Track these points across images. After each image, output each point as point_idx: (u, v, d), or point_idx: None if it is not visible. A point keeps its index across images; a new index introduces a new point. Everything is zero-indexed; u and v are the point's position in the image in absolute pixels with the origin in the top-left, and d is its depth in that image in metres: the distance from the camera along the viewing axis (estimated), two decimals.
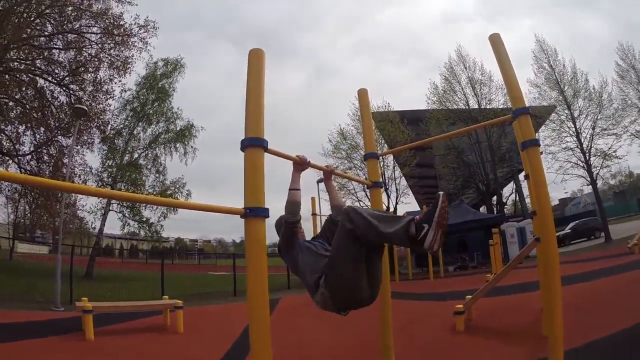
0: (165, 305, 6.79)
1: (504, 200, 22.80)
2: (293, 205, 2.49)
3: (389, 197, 24.60)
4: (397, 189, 24.86)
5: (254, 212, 2.09)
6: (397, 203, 24.88)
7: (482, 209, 27.68)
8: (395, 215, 2.25)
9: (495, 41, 3.16)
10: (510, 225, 18.54)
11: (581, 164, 20.28)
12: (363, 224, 2.01)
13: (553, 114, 21.48)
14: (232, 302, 10.66)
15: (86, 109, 11.67)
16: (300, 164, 2.60)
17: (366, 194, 22.29)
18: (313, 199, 13.20)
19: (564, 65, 21.28)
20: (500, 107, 21.73)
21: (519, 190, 26.89)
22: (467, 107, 23.33)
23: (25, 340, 5.26)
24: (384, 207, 24.33)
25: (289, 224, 2.48)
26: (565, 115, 21.03)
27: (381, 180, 3.98)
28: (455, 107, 23.80)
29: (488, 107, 22.53)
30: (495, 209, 23.91)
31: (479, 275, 11.81)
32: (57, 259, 8.93)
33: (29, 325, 6.35)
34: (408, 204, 26.00)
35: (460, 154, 23.95)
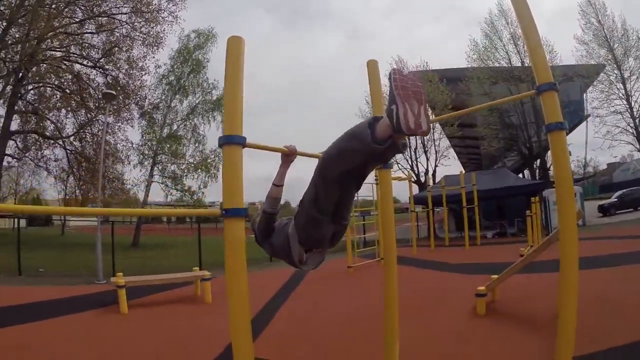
0: (195, 276, 7.10)
1: (548, 165, 21.54)
2: (274, 202, 2.39)
3: (427, 159, 24.10)
4: (436, 151, 24.31)
5: (231, 213, 2.04)
6: (436, 165, 24.36)
7: (526, 173, 26.50)
8: None
9: (518, 3, 2.79)
10: (554, 192, 17.49)
11: (631, 130, 18.79)
12: (330, 148, 1.73)
13: (602, 74, 19.79)
14: (268, 268, 10.93)
15: (115, 93, 12.07)
16: (289, 155, 2.48)
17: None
18: None
19: (613, 20, 19.48)
20: None
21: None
22: (509, 65, 21.85)
23: (65, 315, 5.68)
24: (421, 172, 23.93)
25: (267, 214, 2.36)
26: (615, 75, 19.45)
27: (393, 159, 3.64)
28: (497, 65, 22.39)
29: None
30: (538, 173, 22.72)
31: (516, 245, 11.38)
32: (97, 236, 9.45)
33: (70, 300, 6.84)
34: (448, 167, 25.35)
35: (503, 114, 22.70)
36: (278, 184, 2.43)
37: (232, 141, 2.05)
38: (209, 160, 20.14)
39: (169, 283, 7.30)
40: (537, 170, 22.91)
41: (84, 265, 10.76)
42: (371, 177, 9.64)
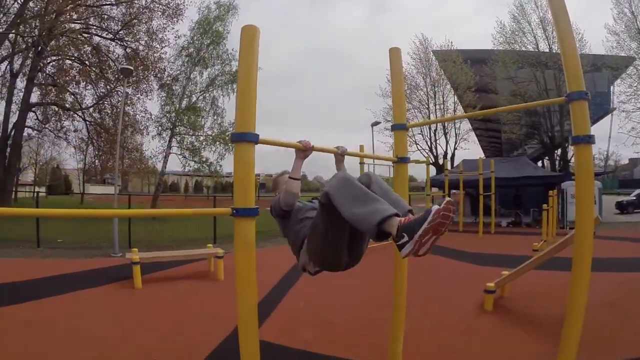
0: (208, 254, 7.22)
1: (569, 157, 21.02)
2: (290, 197, 2.38)
3: (447, 141, 23.81)
4: (456, 134, 23.98)
5: (241, 213, 2.00)
6: (455, 148, 24.07)
7: (546, 163, 25.94)
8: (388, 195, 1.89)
9: (557, 7, 2.57)
10: (573, 185, 17.11)
11: None
12: (336, 198, 1.79)
13: (631, 68, 18.95)
14: (282, 244, 11.05)
15: (132, 68, 12.07)
16: (303, 150, 2.45)
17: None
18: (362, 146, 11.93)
19: None
20: None
21: None
22: (536, 50, 21.07)
23: (79, 290, 5.86)
24: (441, 154, 23.59)
25: (282, 211, 2.46)
26: None
27: (408, 154, 3.52)
28: (524, 49, 21.61)
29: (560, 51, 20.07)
30: (558, 164, 22.17)
31: (530, 237, 11.24)
32: (114, 208, 9.62)
33: (86, 274, 7.04)
34: (467, 150, 25.09)
35: (526, 101, 22.06)
36: (296, 177, 2.41)
37: (245, 139, 2.00)
38: (227, 133, 20.18)
39: (183, 260, 7.48)
40: (558, 161, 22.36)
41: (102, 236, 11.06)
42: (388, 154, 9.54)
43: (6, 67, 17.32)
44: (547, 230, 10.89)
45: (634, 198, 22.37)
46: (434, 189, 19.05)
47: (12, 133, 17.24)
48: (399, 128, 3.32)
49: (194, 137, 20.06)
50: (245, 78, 2.09)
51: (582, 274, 2.46)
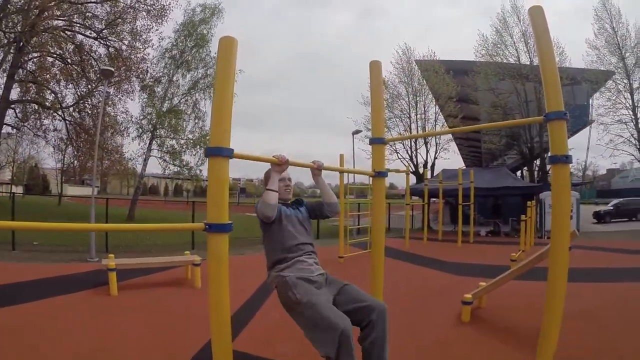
0: (185, 261, 7.11)
1: (547, 168, 21.52)
2: (267, 208, 2.38)
3: (427, 151, 24.07)
4: (437, 143, 24.24)
5: (215, 228, 2.00)
6: (435, 157, 24.34)
7: (525, 173, 26.51)
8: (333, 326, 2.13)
9: (536, 16, 2.62)
10: (550, 195, 17.53)
11: (634, 141, 18.74)
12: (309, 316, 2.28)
13: (610, 82, 19.60)
14: (261, 251, 10.98)
15: (113, 69, 11.88)
16: (279, 165, 2.46)
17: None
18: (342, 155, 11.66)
19: (627, 29, 19.21)
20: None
21: None
22: (517, 62, 21.57)
23: (54, 296, 5.69)
24: (420, 163, 23.81)
25: (263, 223, 2.53)
26: (624, 85, 19.36)
27: (386, 168, 3.53)
28: (505, 61, 22.09)
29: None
30: (537, 174, 22.69)
31: (509, 247, 11.46)
32: (91, 212, 9.40)
33: (61, 279, 6.85)
34: (447, 160, 25.44)
35: (506, 113, 22.56)
36: (273, 189, 2.42)
37: (219, 153, 2.00)
38: (208, 137, 20.03)
39: (160, 267, 7.35)
40: (537, 171, 22.89)
41: (79, 240, 10.79)
42: (368, 162, 9.64)
43: None
44: (525, 240, 11.11)
45: (612, 208, 23.05)
46: (414, 198, 19.26)
47: None
48: (377, 142, 3.35)
49: (174, 140, 19.89)
50: (221, 91, 2.09)
51: (558, 288, 2.53)
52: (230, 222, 2.03)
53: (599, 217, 22.42)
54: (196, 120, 20.60)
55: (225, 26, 22.01)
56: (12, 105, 17.36)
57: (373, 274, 3.24)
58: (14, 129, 19.32)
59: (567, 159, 2.45)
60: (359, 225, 13.57)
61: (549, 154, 2.52)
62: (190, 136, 20.24)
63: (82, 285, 6.38)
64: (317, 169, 2.79)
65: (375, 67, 3.38)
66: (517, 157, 26.69)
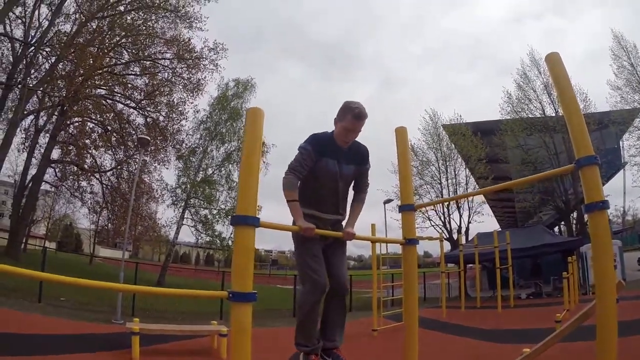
0: (210, 331, 6.92)
1: (585, 219, 20.49)
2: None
3: (460, 216, 23.39)
4: (469, 207, 23.57)
5: (238, 297, 1.92)
6: (469, 222, 23.54)
7: (562, 228, 25.30)
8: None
9: (554, 63, 2.54)
10: (591, 247, 16.48)
11: None
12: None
13: (637, 120, 19.22)
14: (290, 325, 10.59)
15: (149, 138, 12.64)
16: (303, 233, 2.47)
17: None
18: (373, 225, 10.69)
19: None
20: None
21: None
22: (543, 115, 21.43)
23: (71, 354, 5.58)
24: (454, 229, 23.08)
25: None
26: None
27: (418, 236, 3.38)
28: (531, 115, 22.02)
29: None
30: (575, 228, 21.58)
31: (553, 307, 10.61)
32: (120, 274, 9.49)
33: (83, 338, 6.77)
34: (481, 223, 24.35)
35: (537, 168, 22.07)
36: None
37: (245, 222, 1.98)
38: None
39: (186, 335, 7.18)
40: (574, 225, 21.79)
41: (106, 299, 10.77)
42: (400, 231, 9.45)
43: (31, 121, 18.21)
44: (569, 298, 10.33)
45: None
46: (450, 265, 18.48)
47: (30, 185, 17.73)
48: (406, 209, 3.17)
49: (207, 210, 20.18)
50: (248, 159, 2.11)
51: (608, 346, 2.21)
52: (254, 291, 1.97)
53: None
54: (229, 191, 21.01)
55: (258, 100, 23.18)
56: (52, 165, 18.47)
57: (406, 346, 3.00)
58: (52, 187, 20.30)
59: (603, 205, 2.24)
60: (392, 296, 13.05)
61: (584, 203, 2.33)
62: (223, 206, 20.57)
63: (103, 346, 6.24)
64: (348, 239, 2.82)
65: (401, 133, 3.30)
66: (552, 213, 25.65)
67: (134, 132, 18.86)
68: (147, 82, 19.21)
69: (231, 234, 19.95)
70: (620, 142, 21.51)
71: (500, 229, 22.41)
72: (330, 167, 2.74)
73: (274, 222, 2.19)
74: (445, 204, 23.25)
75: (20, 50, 16.84)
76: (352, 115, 2.69)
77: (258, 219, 2.01)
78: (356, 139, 2.87)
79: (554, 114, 20.83)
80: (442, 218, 23.28)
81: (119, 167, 19.05)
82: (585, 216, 20.11)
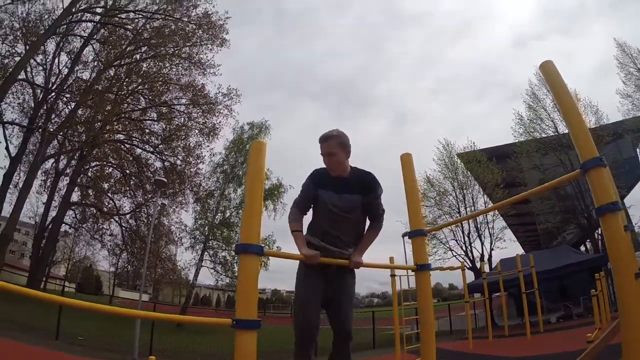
0: None
1: None
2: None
3: (482, 243, 22.85)
4: (490, 234, 23.03)
5: (242, 325, 1.95)
6: (492, 249, 22.93)
7: (588, 245, 24.39)
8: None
9: (548, 71, 2.51)
10: None
11: None
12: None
13: None
14: None
15: (166, 180, 12.90)
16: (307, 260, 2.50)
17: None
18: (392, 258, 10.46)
19: None
20: (592, 126, 19.46)
21: (626, 217, 22.83)
22: (556, 134, 21.18)
23: None
24: (477, 257, 22.45)
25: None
26: None
27: (429, 261, 3.34)
28: (544, 135, 21.78)
29: None
30: (601, 244, 20.78)
31: (584, 328, 10.09)
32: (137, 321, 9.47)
33: None
34: (504, 249, 23.50)
35: (556, 187, 21.58)
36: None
37: (249, 250, 2.05)
38: None
39: None
40: (600, 241, 21.01)
41: (123, 339, 10.67)
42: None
43: (52, 164, 18.77)
44: (599, 316, 9.85)
45: None
46: (477, 295, 17.88)
47: (50, 226, 18.10)
48: (416, 234, 3.18)
49: (226, 251, 20.16)
50: (251, 189, 2.21)
51: None
52: (259, 319, 2.00)
53: None
54: None
55: (273, 142, 23.49)
56: (72, 207, 18.91)
57: None
58: (72, 229, 20.70)
59: (614, 206, 2.12)
60: (417, 329, 12.65)
61: (595, 206, 2.20)
62: None
63: None
64: (354, 267, 2.72)
65: (406, 159, 3.34)
66: (576, 231, 24.82)
67: (152, 176, 19.33)
68: (164, 127, 19.87)
69: None
70: (638, 150, 21.06)
71: (524, 253, 21.73)
72: (325, 198, 2.71)
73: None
74: (466, 232, 22.74)
75: (41, 96, 17.73)
76: (319, 141, 2.76)
77: (262, 247, 2.08)
78: (360, 168, 2.85)
79: (566, 131, 20.53)
80: (464, 247, 22.76)
81: (137, 210, 19.41)
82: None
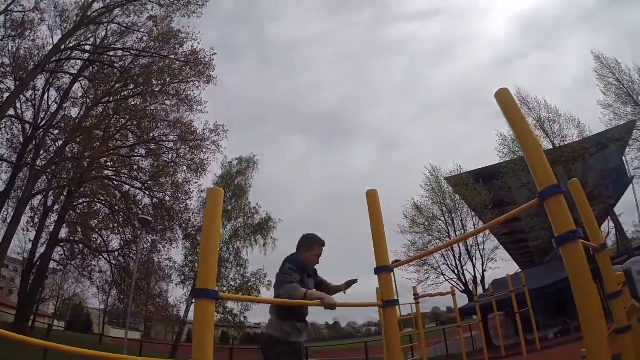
0: None
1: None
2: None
3: (474, 265, 22.69)
4: (482, 255, 22.90)
5: None
6: (484, 270, 22.75)
7: None
8: None
9: (504, 98, 2.51)
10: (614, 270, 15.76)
11: None
12: None
13: (635, 131, 19.13)
14: None
15: (150, 219, 12.89)
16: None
17: None
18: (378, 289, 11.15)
19: (629, 75, 19.39)
20: (577, 139, 19.75)
21: (617, 226, 22.40)
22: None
23: None
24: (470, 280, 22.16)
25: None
26: None
27: (396, 297, 3.33)
28: None
29: (564, 144, 20.11)
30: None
31: (580, 343, 9.96)
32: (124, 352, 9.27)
33: None
34: (497, 269, 23.23)
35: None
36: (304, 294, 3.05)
37: (205, 295, 2.09)
38: (249, 284, 20.38)
39: None
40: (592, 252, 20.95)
41: None
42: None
43: (40, 200, 18.51)
44: None
45: None
46: (475, 317, 17.70)
47: (38, 263, 17.73)
48: (382, 271, 3.15)
49: (217, 287, 19.98)
50: (207, 236, 2.27)
51: None
52: None
53: None
54: (238, 268, 21.03)
55: (262, 175, 23.48)
56: (61, 244, 18.60)
57: None
58: (61, 266, 20.28)
59: (574, 234, 2.04)
60: (412, 357, 12.55)
61: (555, 235, 2.09)
62: (233, 283, 20.49)
63: None
64: (325, 308, 2.92)
65: (371, 195, 3.33)
66: None
67: (140, 212, 19.17)
68: (152, 163, 19.88)
69: (242, 309, 19.70)
70: (623, 158, 21.38)
71: (519, 270, 21.54)
72: (311, 285, 3.48)
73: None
74: (457, 255, 22.54)
75: (30, 132, 17.76)
76: (319, 244, 3.58)
77: (217, 291, 2.12)
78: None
79: (551, 146, 20.81)
80: (456, 271, 22.58)
81: (126, 247, 19.17)
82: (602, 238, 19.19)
